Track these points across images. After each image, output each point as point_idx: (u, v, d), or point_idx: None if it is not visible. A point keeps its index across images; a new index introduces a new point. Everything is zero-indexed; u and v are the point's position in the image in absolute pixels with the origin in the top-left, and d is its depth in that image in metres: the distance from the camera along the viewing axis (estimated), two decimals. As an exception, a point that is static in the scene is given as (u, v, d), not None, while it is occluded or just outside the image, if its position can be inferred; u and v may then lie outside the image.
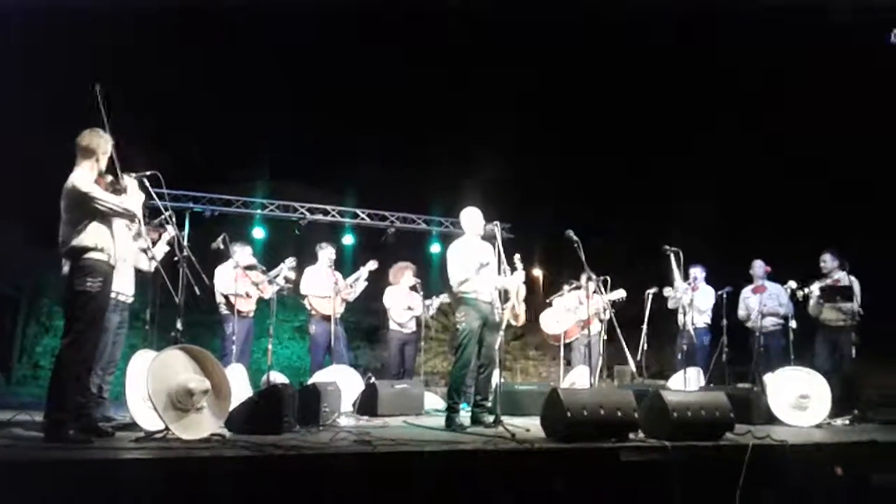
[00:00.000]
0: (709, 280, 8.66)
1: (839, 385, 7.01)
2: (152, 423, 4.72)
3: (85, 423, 4.74)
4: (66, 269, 4.62)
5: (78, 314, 4.54)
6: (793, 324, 7.81)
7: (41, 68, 8.89)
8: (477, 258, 6.17)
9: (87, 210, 4.60)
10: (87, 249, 4.57)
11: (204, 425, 4.55)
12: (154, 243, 5.97)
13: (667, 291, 8.41)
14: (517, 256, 6.80)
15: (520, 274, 6.76)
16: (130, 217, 4.93)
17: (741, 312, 8.32)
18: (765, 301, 8.08)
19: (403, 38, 10.90)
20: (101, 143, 4.75)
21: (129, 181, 4.89)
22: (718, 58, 10.94)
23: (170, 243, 5.99)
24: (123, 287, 5.80)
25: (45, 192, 4.87)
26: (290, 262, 8.00)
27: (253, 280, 7.87)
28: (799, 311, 7.87)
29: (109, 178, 4.83)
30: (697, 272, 8.53)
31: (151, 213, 5.93)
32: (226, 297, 7.74)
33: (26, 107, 8.58)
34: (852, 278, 7.65)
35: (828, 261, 7.76)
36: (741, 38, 10.48)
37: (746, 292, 8.32)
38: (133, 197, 4.88)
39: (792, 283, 7.72)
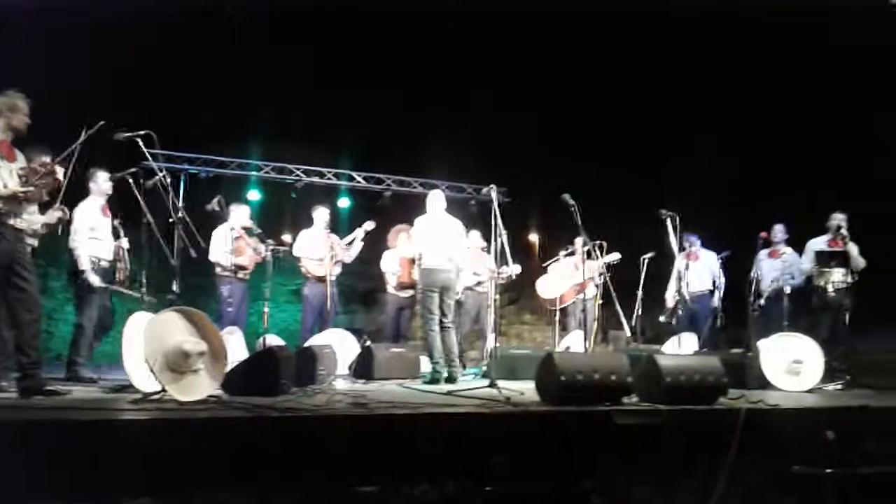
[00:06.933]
0: (706, 245, 8.69)
1: (832, 350, 7.06)
2: (149, 385, 4.73)
3: (29, 382, 4.77)
4: None
5: None
6: (787, 289, 7.85)
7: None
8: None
9: None
10: None
11: (200, 387, 4.56)
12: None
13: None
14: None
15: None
16: None
17: (753, 274, 8.15)
18: (778, 269, 8.09)
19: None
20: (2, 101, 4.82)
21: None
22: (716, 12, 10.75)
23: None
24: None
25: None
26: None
27: (249, 243, 7.85)
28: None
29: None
30: (693, 241, 8.58)
31: (146, 174, 5.89)
32: (222, 260, 7.73)
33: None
34: (850, 243, 7.65)
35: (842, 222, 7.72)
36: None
37: (762, 255, 8.21)
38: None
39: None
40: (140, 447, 3.55)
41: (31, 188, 4.78)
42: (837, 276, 7.52)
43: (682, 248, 8.25)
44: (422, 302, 7.12)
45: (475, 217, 10.92)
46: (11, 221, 4.74)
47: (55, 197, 5.28)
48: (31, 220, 5.01)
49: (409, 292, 8.73)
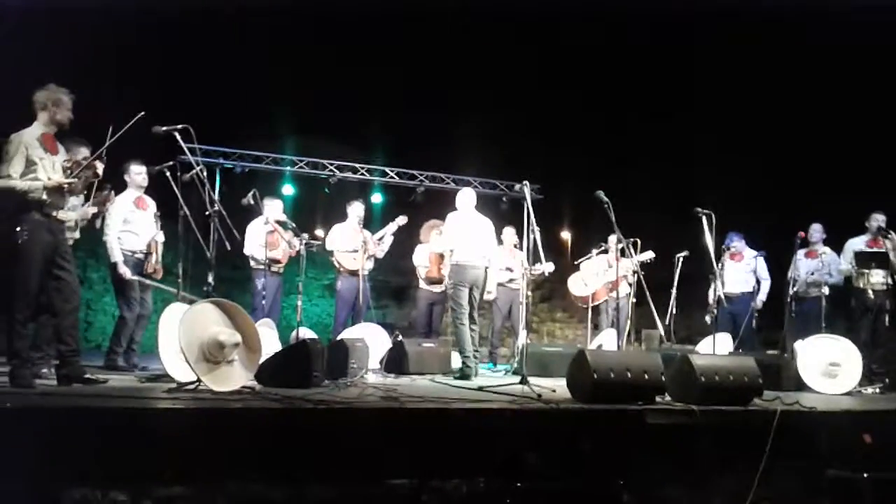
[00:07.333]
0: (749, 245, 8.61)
1: (872, 353, 6.93)
2: (184, 374, 4.80)
3: (68, 370, 4.88)
4: None
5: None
6: (825, 289, 7.71)
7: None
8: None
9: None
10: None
11: (235, 377, 4.62)
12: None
13: None
14: None
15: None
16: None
17: (790, 274, 8.04)
18: (813, 269, 7.96)
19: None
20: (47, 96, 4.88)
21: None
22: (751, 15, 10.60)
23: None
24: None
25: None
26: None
27: (283, 237, 7.91)
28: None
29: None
30: (736, 240, 8.46)
31: (183, 167, 5.96)
32: (256, 253, 7.80)
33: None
34: (889, 244, 7.49)
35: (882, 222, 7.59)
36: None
37: (800, 255, 8.07)
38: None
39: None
40: (174, 436, 3.61)
41: (75, 180, 4.87)
42: (877, 278, 7.39)
43: (720, 248, 8.12)
44: (452, 297, 7.13)
45: (507, 214, 10.89)
46: (54, 213, 4.83)
47: (90, 191, 5.38)
48: (67, 216, 5.09)
49: (440, 287, 8.73)
